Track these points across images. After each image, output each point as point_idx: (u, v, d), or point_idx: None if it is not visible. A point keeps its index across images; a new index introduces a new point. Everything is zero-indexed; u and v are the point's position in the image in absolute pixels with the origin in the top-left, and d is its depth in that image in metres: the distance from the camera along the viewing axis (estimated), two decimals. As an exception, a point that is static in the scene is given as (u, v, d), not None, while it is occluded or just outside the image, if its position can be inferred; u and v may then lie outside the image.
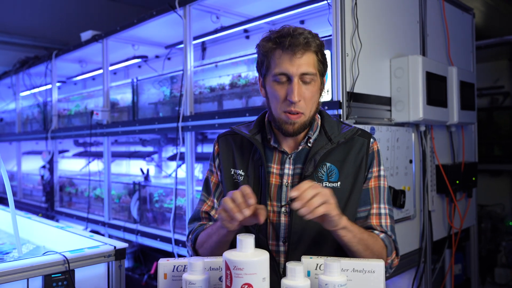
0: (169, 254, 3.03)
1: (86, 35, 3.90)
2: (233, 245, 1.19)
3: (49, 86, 4.56)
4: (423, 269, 2.51)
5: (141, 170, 3.58)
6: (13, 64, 5.33)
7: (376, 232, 1.31)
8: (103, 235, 3.43)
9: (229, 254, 0.99)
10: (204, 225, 1.42)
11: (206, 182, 1.49)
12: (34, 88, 4.95)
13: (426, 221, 2.52)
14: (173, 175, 3.19)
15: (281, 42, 1.23)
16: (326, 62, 1.31)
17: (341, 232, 1.18)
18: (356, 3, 2.04)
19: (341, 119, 1.96)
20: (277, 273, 1.30)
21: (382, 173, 1.37)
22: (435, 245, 2.67)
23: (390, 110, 2.30)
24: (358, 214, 1.35)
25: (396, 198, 2.23)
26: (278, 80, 1.25)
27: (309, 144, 1.34)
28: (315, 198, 1.08)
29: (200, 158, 3.22)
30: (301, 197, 1.07)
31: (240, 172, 1.38)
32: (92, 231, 3.43)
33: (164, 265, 1.15)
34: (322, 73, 1.30)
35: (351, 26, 2.04)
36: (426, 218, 2.52)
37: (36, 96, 4.90)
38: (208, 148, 3.60)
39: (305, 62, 1.23)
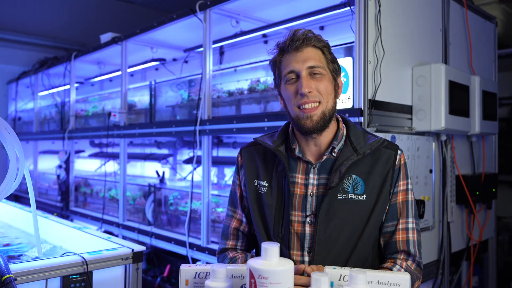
0: (183, 257, 3.03)
1: (105, 37, 3.94)
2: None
3: (67, 87, 4.62)
4: (441, 281, 2.47)
5: (157, 172, 3.59)
6: (32, 64, 5.42)
7: (396, 268, 1.28)
8: (117, 236, 3.44)
9: (254, 263, 0.98)
10: (235, 257, 1.40)
11: (231, 196, 1.49)
12: (52, 88, 5.01)
13: (445, 232, 2.47)
14: (188, 178, 3.19)
15: (284, 44, 1.30)
16: (336, 61, 1.32)
17: None
18: (379, 10, 2.02)
19: (363, 127, 1.94)
20: None
21: (409, 186, 1.35)
22: (453, 256, 2.63)
23: (411, 119, 2.27)
24: (385, 229, 1.33)
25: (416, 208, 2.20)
26: (288, 80, 1.29)
27: (333, 154, 1.32)
28: None
29: (215, 162, 3.21)
30: None
31: (264, 183, 1.37)
32: (106, 232, 3.45)
33: (186, 271, 1.14)
34: (334, 71, 1.30)
35: (374, 33, 2.02)
36: (445, 229, 2.47)
37: (54, 96, 4.96)
38: (223, 152, 3.60)
39: (309, 56, 1.26)
